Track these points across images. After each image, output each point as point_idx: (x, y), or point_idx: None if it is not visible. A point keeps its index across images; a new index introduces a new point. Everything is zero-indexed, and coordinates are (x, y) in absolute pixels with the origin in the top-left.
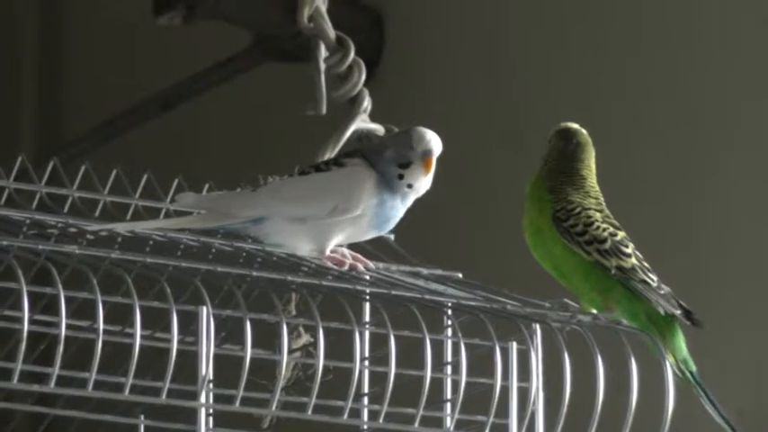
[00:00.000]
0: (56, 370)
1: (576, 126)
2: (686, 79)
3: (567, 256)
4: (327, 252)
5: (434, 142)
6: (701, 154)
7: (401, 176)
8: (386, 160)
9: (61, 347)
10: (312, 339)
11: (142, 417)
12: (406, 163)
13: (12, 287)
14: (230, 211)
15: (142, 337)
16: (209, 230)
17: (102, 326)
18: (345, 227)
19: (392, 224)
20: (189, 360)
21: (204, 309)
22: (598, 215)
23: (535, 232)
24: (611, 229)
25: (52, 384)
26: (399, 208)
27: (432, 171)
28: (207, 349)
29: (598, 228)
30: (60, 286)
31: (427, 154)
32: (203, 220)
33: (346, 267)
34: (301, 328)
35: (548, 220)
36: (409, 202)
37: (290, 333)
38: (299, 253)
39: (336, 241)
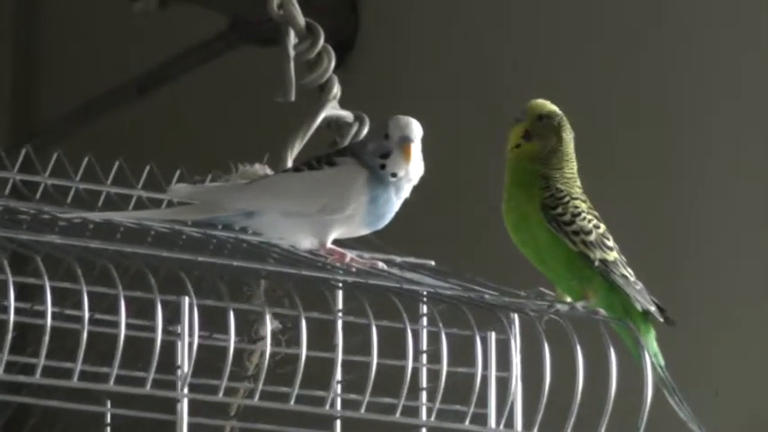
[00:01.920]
0: (41, 360)
1: (556, 110)
2: (662, 73)
3: (552, 243)
4: (328, 245)
5: (411, 128)
6: (675, 150)
7: (383, 166)
8: (369, 153)
9: (47, 338)
10: (280, 326)
11: (108, 404)
12: (386, 153)
13: None
14: (221, 203)
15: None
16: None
17: (87, 315)
18: (340, 223)
19: (387, 219)
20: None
21: (186, 299)
22: (584, 206)
23: (520, 217)
24: (595, 222)
25: (38, 375)
26: (393, 201)
27: (412, 157)
28: (188, 340)
29: (585, 218)
30: (46, 277)
31: (405, 140)
32: (194, 211)
33: (347, 260)
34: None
35: (536, 206)
36: (405, 192)
37: (256, 320)
38: (301, 247)
39: (335, 235)
